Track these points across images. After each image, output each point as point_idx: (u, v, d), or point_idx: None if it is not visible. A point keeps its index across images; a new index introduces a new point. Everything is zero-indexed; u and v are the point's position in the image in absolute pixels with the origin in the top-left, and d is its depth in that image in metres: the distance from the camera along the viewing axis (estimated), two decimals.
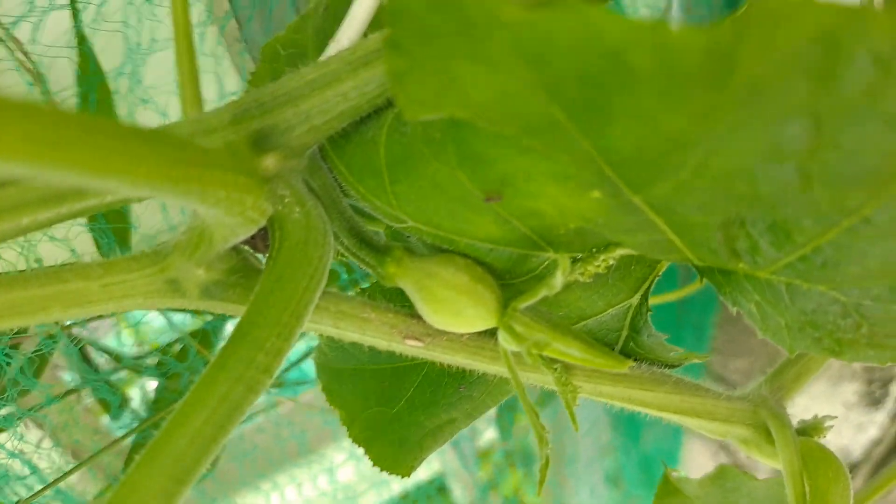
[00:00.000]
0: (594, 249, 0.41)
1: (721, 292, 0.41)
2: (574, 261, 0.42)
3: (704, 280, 0.42)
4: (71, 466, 0.76)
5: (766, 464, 0.54)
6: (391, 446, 0.51)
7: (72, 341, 0.71)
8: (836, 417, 0.53)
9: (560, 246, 0.41)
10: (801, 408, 0.61)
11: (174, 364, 0.80)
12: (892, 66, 0.23)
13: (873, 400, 1.09)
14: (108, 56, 0.61)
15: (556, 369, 0.44)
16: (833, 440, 1.16)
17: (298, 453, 1.31)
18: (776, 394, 0.54)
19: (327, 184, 0.42)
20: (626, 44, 0.22)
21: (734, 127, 0.26)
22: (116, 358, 0.79)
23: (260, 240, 0.42)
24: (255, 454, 1.25)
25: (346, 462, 1.47)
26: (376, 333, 0.43)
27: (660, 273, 0.45)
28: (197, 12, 0.68)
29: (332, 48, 0.41)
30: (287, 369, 0.94)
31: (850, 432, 1.10)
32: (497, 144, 0.33)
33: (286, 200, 0.39)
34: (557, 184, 0.34)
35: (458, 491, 1.64)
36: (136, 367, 0.79)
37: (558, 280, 0.36)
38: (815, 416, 0.54)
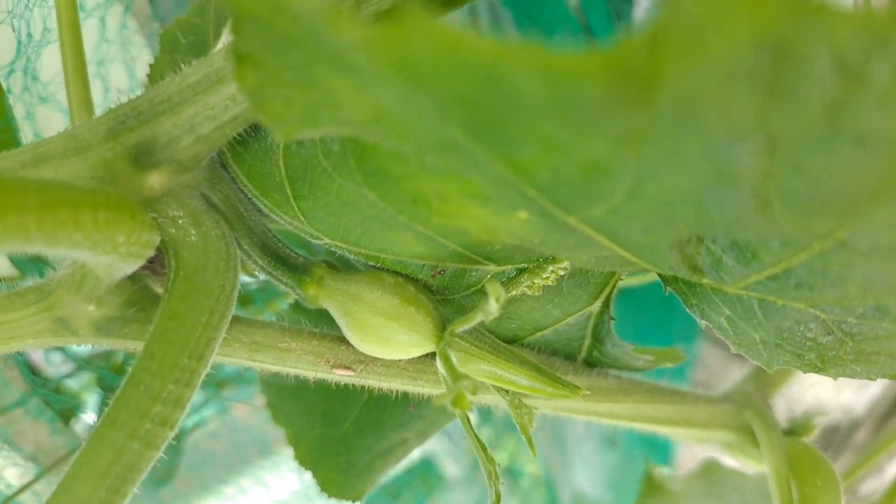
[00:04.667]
0: (541, 260, 0.36)
1: (687, 304, 0.36)
2: (520, 272, 0.37)
3: (668, 290, 0.37)
4: (35, 472, 0.73)
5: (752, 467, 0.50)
6: (338, 471, 0.46)
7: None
8: (826, 415, 0.49)
9: (500, 260, 0.36)
10: (795, 379, 0.56)
11: (112, 378, 0.75)
12: (861, 73, 0.18)
13: None
14: None
15: (507, 392, 0.39)
16: (836, 398, 1.12)
17: (261, 455, 1.28)
18: (762, 390, 0.49)
19: (231, 196, 0.36)
20: (503, 69, 0.17)
21: (667, 151, 0.20)
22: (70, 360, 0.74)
23: (159, 263, 0.37)
24: (215, 461, 1.21)
25: None
26: (299, 364, 0.38)
27: (622, 277, 0.39)
28: None
29: (222, 41, 0.36)
30: (244, 370, 0.89)
31: (853, 390, 1.06)
32: (400, 161, 0.28)
33: (180, 222, 0.34)
34: (477, 204, 0.28)
35: (448, 466, 1.62)
36: (58, 388, 0.74)
37: (493, 307, 0.31)
38: (804, 413, 0.49)
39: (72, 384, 0.80)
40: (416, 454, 1.64)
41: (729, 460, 0.57)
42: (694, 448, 1.28)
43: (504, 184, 0.25)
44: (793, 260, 0.27)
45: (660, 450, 1.32)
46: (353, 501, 0.48)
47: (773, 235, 0.25)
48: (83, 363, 0.77)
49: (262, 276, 0.40)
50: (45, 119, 0.61)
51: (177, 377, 0.32)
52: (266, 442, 1.20)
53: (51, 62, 0.58)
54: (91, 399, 0.82)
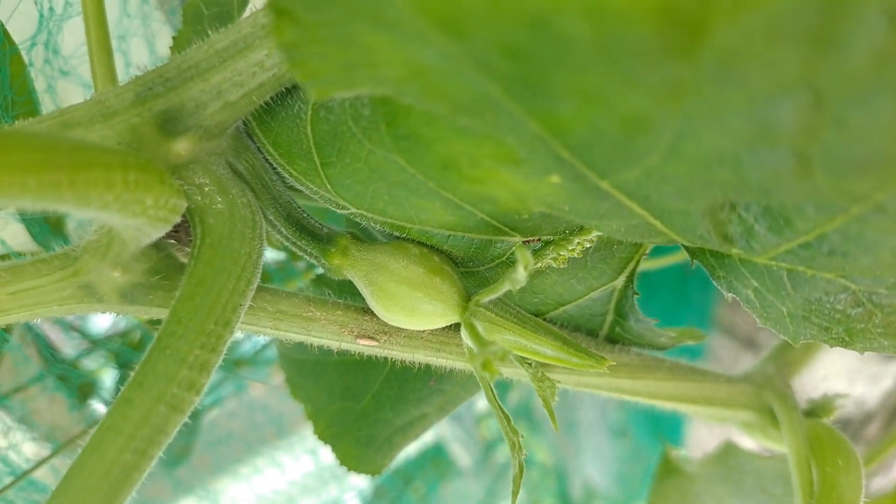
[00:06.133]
0: (567, 232, 0.36)
1: (714, 277, 0.36)
2: (545, 244, 0.37)
3: (695, 263, 0.36)
4: (51, 449, 0.73)
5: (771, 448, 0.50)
6: (358, 445, 0.46)
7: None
8: (847, 396, 0.48)
9: (526, 231, 0.35)
10: (816, 359, 0.56)
11: (130, 354, 0.75)
12: None
13: None
14: (18, 25, 0.54)
15: (530, 364, 0.39)
16: (848, 390, 1.11)
17: (277, 436, 1.28)
18: (782, 371, 0.49)
19: (257, 165, 0.36)
20: (552, 9, 0.17)
21: (709, 106, 0.20)
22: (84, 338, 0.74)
23: (184, 232, 0.37)
24: (231, 441, 1.22)
25: None
26: (323, 333, 0.38)
27: (647, 252, 0.39)
28: None
29: (249, 9, 0.35)
30: (260, 350, 0.90)
31: (865, 383, 1.05)
32: (432, 124, 0.28)
33: (206, 189, 0.34)
34: (509, 168, 0.28)
35: (458, 452, 1.61)
36: (75, 364, 0.75)
37: (521, 274, 0.30)
38: (825, 395, 0.49)
39: (89, 364, 0.80)
40: (429, 439, 1.64)
41: (747, 442, 0.57)
42: (704, 441, 1.28)
43: (538, 144, 0.25)
44: (827, 226, 0.26)
45: (670, 441, 1.31)
46: (373, 475, 0.48)
47: (809, 199, 0.25)
48: (101, 341, 0.77)
49: (285, 251, 0.40)
50: (65, 93, 0.61)
51: (203, 342, 0.33)
52: (282, 422, 1.20)
53: (72, 36, 0.58)
54: (108, 376, 0.82)
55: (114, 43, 0.65)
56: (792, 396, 0.47)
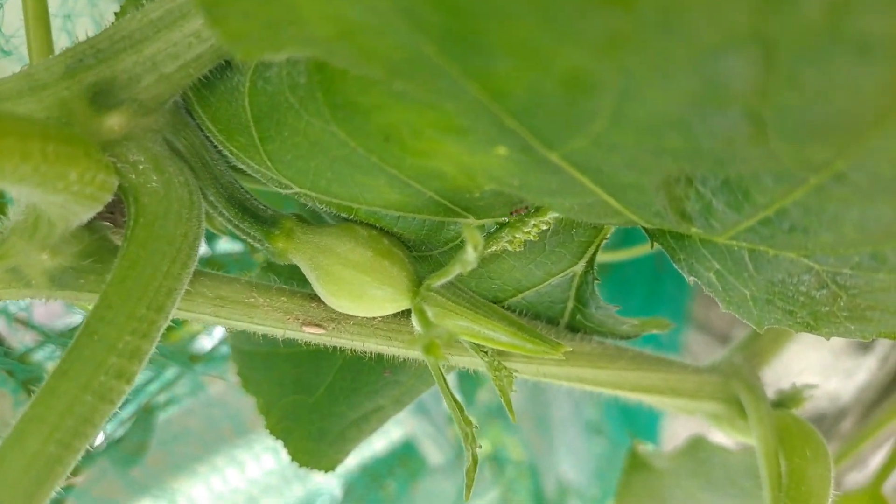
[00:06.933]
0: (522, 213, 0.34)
1: (675, 259, 0.34)
2: (500, 226, 0.35)
3: (655, 245, 0.35)
4: None
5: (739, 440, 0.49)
6: (310, 440, 0.45)
7: None
8: (816, 386, 0.47)
9: (479, 211, 0.34)
10: (790, 353, 0.55)
11: None
12: None
13: (862, 344, 1.03)
14: None
15: (486, 352, 0.37)
16: (822, 385, 1.10)
17: (236, 433, 1.26)
18: (751, 361, 0.48)
19: (196, 143, 0.35)
20: None
21: (652, 61, 0.19)
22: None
23: (119, 213, 0.35)
24: (188, 438, 1.19)
25: None
26: (266, 320, 0.36)
27: (607, 236, 0.38)
28: None
29: None
30: (217, 346, 0.88)
31: (839, 377, 1.05)
32: (369, 90, 0.26)
33: (140, 167, 0.32)
34: (453, 139, 0.27)
35: (430, 452, 1.59)
36: (22, 358, 0.72)
37: (470, 255, 0.29)
38: (794, 385, 0.48)
39: (39, 357, 0.78)
40: (398, 438, 1.62)
41: (717, 436, 0.56)
42: (680, 437, 1.27)
43: (480, 110, 0.23)
44: (787, 198, 0.25)
45: (645, 438, 1.31)
46: (326, 471, 0.46)
47: (766, 169, 0.24)
48: (50, 336, 0.75)
49: (229, 234, 0.39)
50: (6, 73, 0.59)
51: (134, 328, 0.31)
52: (241, 419, 1.18)
53: (14, 15, 0.56)
54: None
55: (59, 22, 0.63)
56: (760, 387, 0.46)
